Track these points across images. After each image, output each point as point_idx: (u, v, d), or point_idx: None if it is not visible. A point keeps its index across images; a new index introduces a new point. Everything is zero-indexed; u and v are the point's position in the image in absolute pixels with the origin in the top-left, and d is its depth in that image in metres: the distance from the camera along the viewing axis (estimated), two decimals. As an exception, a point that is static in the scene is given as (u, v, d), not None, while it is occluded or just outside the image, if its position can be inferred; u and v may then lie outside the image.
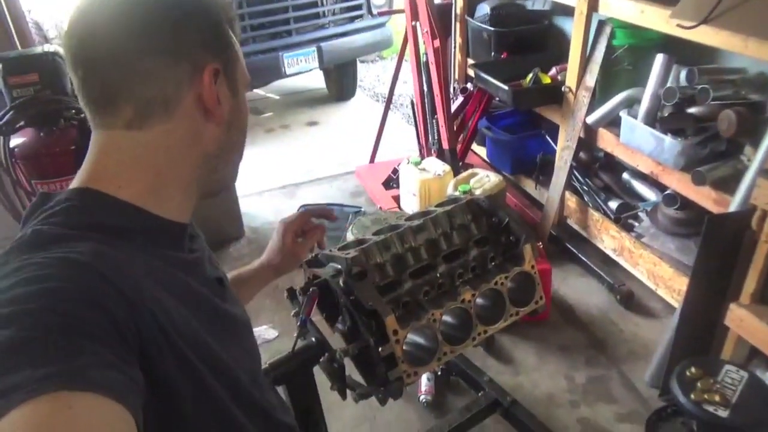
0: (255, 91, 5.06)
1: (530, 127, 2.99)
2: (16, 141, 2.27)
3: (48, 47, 2.24)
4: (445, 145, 2.83)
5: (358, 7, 4.21)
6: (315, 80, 5.22)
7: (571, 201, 2.64)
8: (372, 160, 3.45)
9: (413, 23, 2.81)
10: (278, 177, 3.57)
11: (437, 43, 2.67)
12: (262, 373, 0.96)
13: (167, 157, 0.67)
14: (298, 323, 1.17)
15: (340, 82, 4.93)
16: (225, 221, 2.88)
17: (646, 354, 2.09)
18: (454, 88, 3.19)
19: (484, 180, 2.69)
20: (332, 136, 4.27)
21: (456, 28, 3.25)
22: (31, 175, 2.32)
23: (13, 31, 2.37)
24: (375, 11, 4.16)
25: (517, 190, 3.01)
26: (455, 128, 3.09)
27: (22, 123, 2.21)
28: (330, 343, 1.24)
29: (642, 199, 2.45)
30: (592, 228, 2.54)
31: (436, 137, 2.93)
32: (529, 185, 2.93)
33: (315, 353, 1.21)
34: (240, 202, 3.02)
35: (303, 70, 3.96)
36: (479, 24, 2.98)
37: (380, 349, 1.13)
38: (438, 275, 1.23)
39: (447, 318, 1.24)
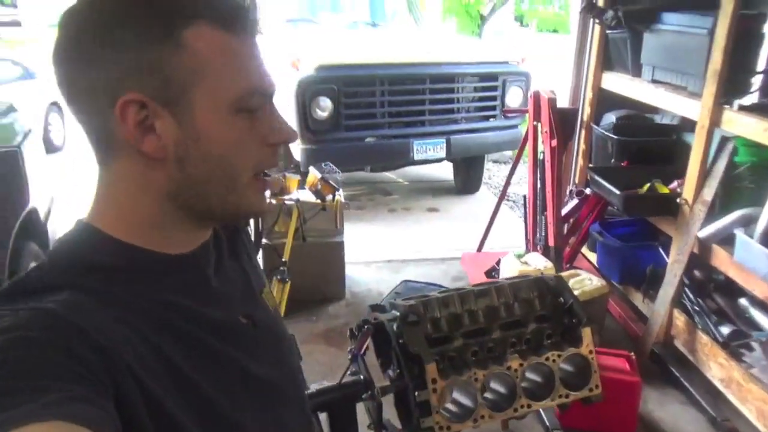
0: (385, 174, 5.42)
1: (645, 238, 2.89)
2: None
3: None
4: (551, 243, 2.83)
5: (492, 107, 4.45)
6: (443, 172, 5.47)
7: (680, 320, 2.47)
8: (479, 249, 3.51)
9: (534, 123, 2.94)
10: (388, 251, 3.75)
11: (554, 143, 2.76)
12: None
13: (128, 197, 0.62)
14: (350, 357, 1.26)
15: (467, 175, 5.12)
16: (329, 281, 3.07)
17: (744, 502, 1.84)
18: (570, 190, 3.20)
19: (585, 282, 2.64)
20: (448, 223, 4.41)
21: (580, 134, 3.31)
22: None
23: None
24: (507, 108, 4.35)
25: (623, 301, 2.88)
26: (567, 230, 3.08)
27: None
28: (376, 384, 1.31)
29: (758, 328, 2.23)
30: (699, 352, 2.34)
31: (543, 234, 2.94)
32: (637, 297, 2.79)
33: (360, 389, 1.27)
34: (347, 268, 3.22)
35: (430, 159, 4.20)
36: (603, 132, 3.02)
37: (417, 393, 1.18)
38: (490, 340, 1.26)
39: (495, 385, 1.25)
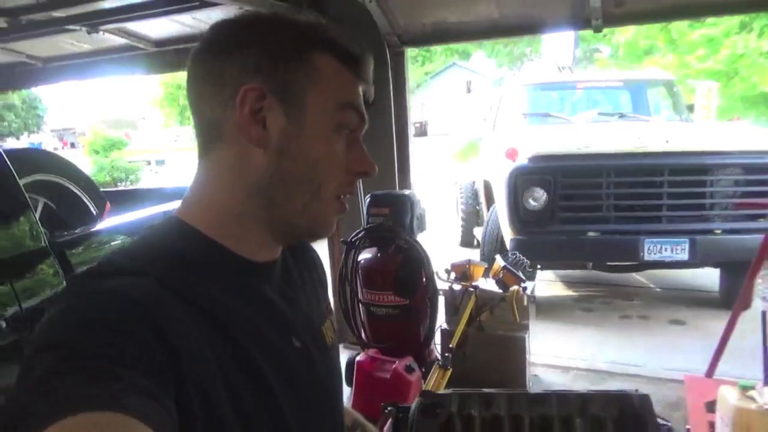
0: (633, 275, 4.83)
1: None
2: (362, 255, 2.92)
3: (403, 191, 2.86)
4: (794, 378, 2.12)
5: (764, 205, 3.64)
6: (707, 281, 4.61)
7: None
8: (709, 374, 2.81)
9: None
10: (598, 361, 3.29)
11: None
12: None
13: (218, 185, 0.67)
14: (371, 440, 1.18)
15: (736, 285, 4.21)
16: (506, 377, 2.84)
17: None
18: None
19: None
20: (693, 340, 3.66)
21: None
22: (364, 283, 2.91)
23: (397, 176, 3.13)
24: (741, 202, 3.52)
25: None
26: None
27: (367, 242, 2.85)
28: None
29: None
30: None
31: (787, 365, 2.23)
32: None
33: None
34: (537, 369, 2.95)
35: (667, 260, 3.61)
36: None
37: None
38: (526, 457, 1.03)
39: None
